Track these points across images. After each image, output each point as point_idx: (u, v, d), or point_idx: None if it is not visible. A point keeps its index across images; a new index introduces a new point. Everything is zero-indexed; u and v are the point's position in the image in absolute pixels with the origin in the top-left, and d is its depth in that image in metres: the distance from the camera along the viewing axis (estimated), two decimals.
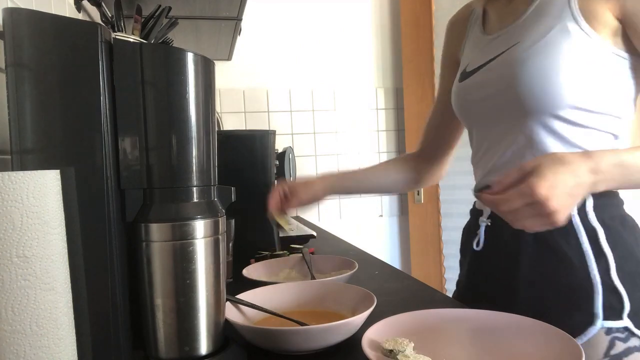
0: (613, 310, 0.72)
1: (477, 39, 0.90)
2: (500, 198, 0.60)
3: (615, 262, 0.73)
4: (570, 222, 0.75)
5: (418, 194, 2.43)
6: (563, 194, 0.58)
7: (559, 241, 0.76)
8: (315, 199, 1.03)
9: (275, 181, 1.32)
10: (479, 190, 0.63)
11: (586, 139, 0.76)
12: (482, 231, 0.87)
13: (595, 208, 0.76)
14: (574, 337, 0.66)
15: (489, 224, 0.85)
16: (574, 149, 0.75)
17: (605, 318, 0.72)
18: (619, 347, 0.72)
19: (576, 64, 0.72)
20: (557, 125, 0.75)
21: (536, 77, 0.73)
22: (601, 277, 0.73)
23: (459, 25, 0.99)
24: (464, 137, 1.00)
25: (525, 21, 0.79)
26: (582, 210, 0.76)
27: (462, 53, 0.95)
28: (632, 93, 0.77)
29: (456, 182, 2.33)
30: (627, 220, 0.79)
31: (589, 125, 0.75)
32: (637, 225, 0.80)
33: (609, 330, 0.72)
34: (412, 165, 1.10)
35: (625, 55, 0.74)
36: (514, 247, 0.81)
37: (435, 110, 1.07)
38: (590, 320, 0.72)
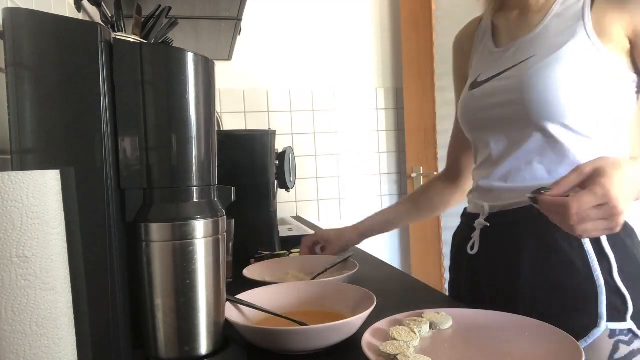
0: (617, 311, 0.72)
1: (488, 51, 0.90)
2: (570, 200, 0.56)
3: (617, 263, 0.73)
4: None
5: None
6: (628, 197, 0.57)
7: (561, 243, 0.75)
8: (347, 247, 1.12)
9: (276, 184, 1.32)
10: (534, 194, 0.61)
11: (589, 146, 0.77)
12: (477, 234, 0.86)
13: None
14: (578, 339, 0.66)
15: (488, 224, 0.84)
16: (578, 155, 0.77)
17: (609, 319, 0.72)
18: (623, 350, 0.71)
19: (583, 78, 0.74)
20: (563, 133, 0.76)
21: (544, 90, 0.75)
22: (604, 279, 0.73)
23: (465, 41, 1.00)
24: None
25: (540, 34, 0.80)
26: None
27: (471, 66, 0.96)
28: (632, 107, 0.79)
29: None
30: (625, 223, 0.79)
31: (595, 136, 0.77)
32: (632, 228, 0.80)
33: (612, 333, 0.72)
34: (440, 190, 1.11)
35: (630, 73, 0.76)
36: (514, 249, 0.80)
37: (457, 129, 1.06)
38: (594, 322, 0.72)
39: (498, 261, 0.83)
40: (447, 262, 2.41)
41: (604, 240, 0.74)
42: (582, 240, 0.74)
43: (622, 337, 0.72)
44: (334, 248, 1.10)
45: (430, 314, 0.67)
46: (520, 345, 0.59)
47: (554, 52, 0.76)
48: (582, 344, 0.71)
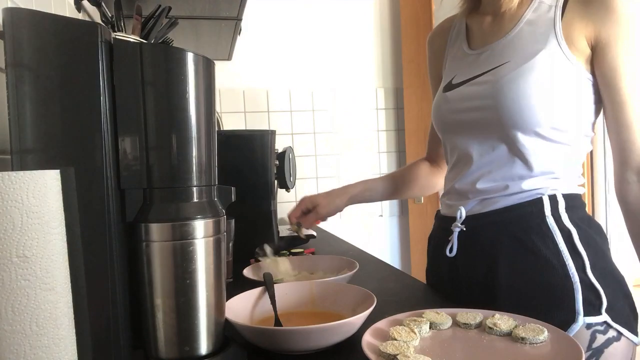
0: (592, 306, 0.75)
1: (462, 54, 0.92)
2: None
3: (590, 260, 0.76)
4: (545, 224, 0.79)
5: None
6: None
7: (536, 242, 0.78)
8: (336, 211, 1.13)
9: (276, 185, 1.32)
10: None
11: (558, 152, 0.80)
12: (455, 237, 0.87)
13: (567, 209, 0.80)
14: None
15: (464, 229, 0.86)
16: (547, 160, 0.80)
17: (586, 314, 0.75)
18: (600, 339, 0.75)
19: (555, 87, 0.77)
20: (533, 139, 0.79)
21: (517, 98, 0.77)
22: (579, 276, 0.76)
23: (438, 40, 1.02)
24: None
25: (513, 40, 0.82)
26: (555, 211, 0.79)
27: (445, 67, 0.98)
28: (593, 110, 0.82)
29: None
30: (592, 221, 0.83)
31: (562, 141, 0.80)
32: (599, 225, 0.84)
33: (589, 326, 0.75)
34: (428, 171, 1.16)
35: (590, 77, 0.79)
36: (492, 251, 0.82)
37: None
38: (572, 317, 0.75)
39: (477, 262, 0.85)
40: None
41: (576, 238, 0.78)
42: (556, 239, 0.78)
43: (598, 327, 0.75)
44: (323, 212, 1.12)
45: (430, 314, 0.67)
46: (520, 345, 0.59)
47: (527, 60, 0.78)
48: None
